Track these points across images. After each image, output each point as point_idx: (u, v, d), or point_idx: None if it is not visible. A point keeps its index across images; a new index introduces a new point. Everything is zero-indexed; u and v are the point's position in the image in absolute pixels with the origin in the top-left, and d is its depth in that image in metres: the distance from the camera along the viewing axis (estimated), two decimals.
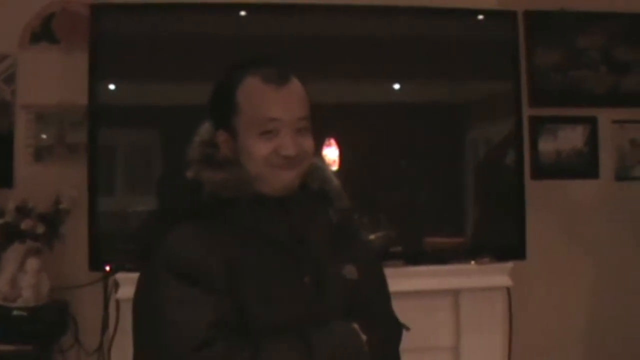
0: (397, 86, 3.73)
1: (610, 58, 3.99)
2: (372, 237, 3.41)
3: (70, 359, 3.43)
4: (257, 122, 1.58)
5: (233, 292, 1.51)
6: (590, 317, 3.94)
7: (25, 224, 3.24)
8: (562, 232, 3.92)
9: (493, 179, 3.77)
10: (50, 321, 3.29)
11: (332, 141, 3.46)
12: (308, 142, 1.62)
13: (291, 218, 1.62)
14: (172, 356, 1.47)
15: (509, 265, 3.53)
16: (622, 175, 4.02)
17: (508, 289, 3.57)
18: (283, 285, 1.56)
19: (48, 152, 3.51)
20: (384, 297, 1.76)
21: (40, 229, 3.26)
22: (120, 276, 3.20)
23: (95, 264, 3.28)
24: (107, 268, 3.27)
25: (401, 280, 3.04)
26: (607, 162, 4.00)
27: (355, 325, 1.57)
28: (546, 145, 3.92)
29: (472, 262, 3.52)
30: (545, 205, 3.86)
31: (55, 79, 3.50)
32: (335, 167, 3.40)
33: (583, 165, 3.97)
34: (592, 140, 3.98)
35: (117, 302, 3.23)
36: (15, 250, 3.27)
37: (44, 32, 3.53)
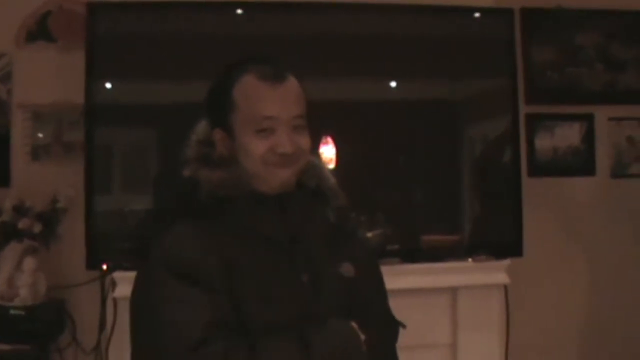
0: (393, 84, 3.73)
1: (606, 55, 3.99)
2: (369, 234, 3.42)
3: (67, 358, 3.43)
4: (254, 120, 1.57)
5: (231, 291, 1.51)
6: (587, 314, 3.94)
7: (22, 223, 3.24)
8: (559, 229, 3.92)
9: (490, 176, 3.78)
10: (48, 320, 3.29)
11: (329, 139, 3.46)
12: (305, 140, 1.62)
13: (288, 216, 1.62)
14: (169, 355, 1.47)
15: (506, 262, 3.53)
16: (619, 172, 4.02)
17: (505, 287, 3.58)
18: (281, 284, 1.56)
19: (45, 151, 3.51)
20: (382, 295, 1.76)
21: (38, 228, 3.26)
22: (117, 275, 3.20)
23: (92, 262, 3.29)
24: (104, 267, 3.27)
25: (398, 277, 3.06)
26: (603, 159, 4.00)
27: (354, 325, 1.56)
28: (543, 143, 3.93)
29: (469, 260, 3.53)
30: (542, 202, 3.87)
31: (51, 78, 3.50)
32: (332, 165, 3.40)
33: (580, 163, 3.98)
34: (589, 138, 3.98)
35: (115, 300, 3.24)
36: (12, 250, 3.26)
37: (40, 31, 3.53)
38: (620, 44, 4.00)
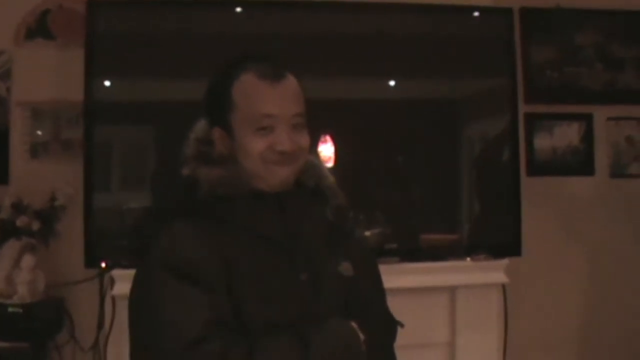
0: (392, 83, 3.73)
1: (606, 55, 3.99)
2: (367, 233, 3.42)
3: (66, 356, 3.43)
4: (253, 118, 1.57)
5: (230, 290, 1.50)
6: (586, 314, 3.95)
7: (20, 221, 3.24)
8: (558, 229, 3.93)
9: (489, 175, 3.78)
10: (46, 318, 3.29)
11: (328, 138, 3.46)
12: (304, 138, 1.62)
13: (287, 215, 1.62)
14: (168, 354, 1.47)
15: (505, 262, 3.54)
16: (618, 172, 4.02)
17: (504, 286, 3.58)
18: (280, 283, 1.56)
19: (44, 148, 3.51)
20: (380, 295, 1.76)
21: (36, 226, 3.26)
22: (116, 273, 3.20)
23: (90, 260, 3.29)
24: (103, 265, 3.27)
25: (397, 277, 3.05)
26: (602, 159, 4.01)
27: (354, 324, 1.56)
28: (542, 142, 3.93)
29: (468, 259, 3.53)
30: (541, 202, 3.87)
31: (51, 76, 3.50)
32: (330, 164, 3.40)
33: (578, 162, 3.98)
34: (588, 137, 3.98)
35: (113, 298, 3.23)
36: (10, 247, 3.26)
37: (39, 29, 3.52)
38: (620, 43, 4.01)
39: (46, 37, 3.53)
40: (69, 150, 3.49)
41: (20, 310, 3.18)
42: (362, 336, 1.55)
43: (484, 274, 3.53)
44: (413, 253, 3.51)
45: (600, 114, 4.00)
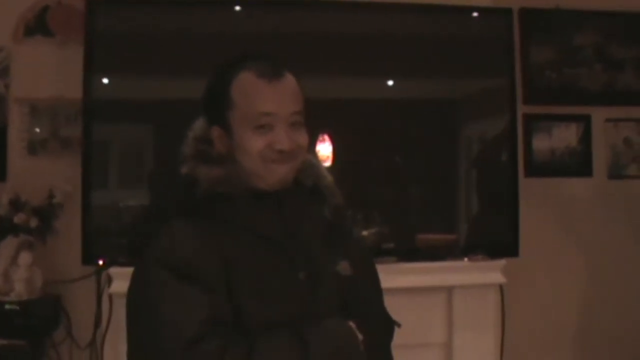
0: (391, 83, 3.73)
1: (604, 56, 3.99)
2: (365, 233, 3.42)
3: (62, 353, 3.43)
4: (252, 116, 1.57)
5: (229, 289, 1.50)
6: (583, 315, 3.95)
7: (18, 218, 3.24)
8: (556, 229, 3.93)
9: (487, 176, 3.78)
10: (43, 315, 3.29)
11: (326, 137, 3.46)
12: (302, 137, 1.62)
13: (286, 215, 1.62)
14: (166, 353, 1.47)
15: (502, 262, 3.54)
16: (616, 173, 4.03)
17: (501, 286, 3.58)
18: (278, 282, 1.56)
19: (42, 145, 3.51)
20: (377, 294, 1.76)
21: (34, 223, 3.26)
22: (113, 270, 3.20)
23: (88, 258, 3.29)
24: (100, 262, 3.27)
25: (394, 276, 3.05)
26: (600, 160, 4.01)
27: (352, 324, 1.56)
28: (540, 143, 3.93)
29: (465, 259, 3.53)
30: (539, 202, 3.87)
31: (49, 73, 3.49)
32: (328, 163, 3.40)
33: (577, 164, 3.98)
34: (586, 139, 3.98)
35: (110, 296, 3.24)
36: (8, 244, 3.26)
37: (38, 25, 3.52)
38: (619, 44, 4.01)
39: (45, 34, 3.53)
40: (67, 148, 3.49)
41: (17, 308, 3.18)
42: (360, 336, 1.55)
43: (482, 274, 3.53)
44: (411, 253, 3.51)
45: (599, 115, 4.00)
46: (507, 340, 3.63)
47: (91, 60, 3.31)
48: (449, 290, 3.53)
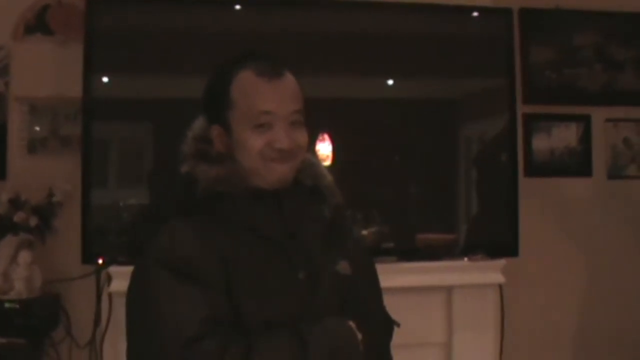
0: (391, 82, 3.73)
1: (604, 56, 3.99)
2: (365, 232, 3.42)
3: (62, 352, 3.43)
4: (251, 115, 1.57)
5: (229, 289, 1.51)
6: (582, 315, 3.95)
7: (18, 217, 3.24)
8: (555, 229, 3.93)
9: (487, 175, 3.78)
10: (43, 314, 3.29)
11: (326, 136, 3.46)
12: (302, 136, 1.62)
13: (286, 214, 1.62)
14: (165, 352, 1.47)
15: (502, 262, 3.54)
16: (615, 173, 4.03)
17: (500, 286, 3.58)
18: (278, 281, 1.56)
19: (41, 144, 3.51)
20: (377, 294, 1.76)
21: (33, 222, 3.26)
22: (113, 269, 3.20)
23: (87, 257, 3.28)
24: (100, 261, 3.27)
25: (394, 276, 3.05)
26: (600, 160, 4.01)
27: (352, 324, 1.56)
28: (540, 143, 3.93)
29: (465, 259, 3.53)
30: (539, 203, 3.87)
31: (49, 71, 3.49)
32: (328, 163, 3.40)
33: (576, 164, 3.98)
34: (586, 139, 3.98)
35: (110, 295, 3.24)
36: (7, 243, 3.26)
37: (38, 24, 3.52)
38: (618, 45, 4.01)
39: (45, 32, 3.52)
40: (67, 147, 3.49)
41: (17, 306, 3.18)
42: (359, 336, 1.55)
43: (481, 274, 3.53)
44: (410, 252, 3.51)
45: (599, 115, 4.00)
46: (507, 340, 3.63)
47: (91, 59, 3.30)
48: (449, 290, 3.53)
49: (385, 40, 3.58)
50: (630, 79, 4.02)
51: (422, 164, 3.73)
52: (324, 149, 3.45)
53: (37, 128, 3.50)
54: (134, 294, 1.58)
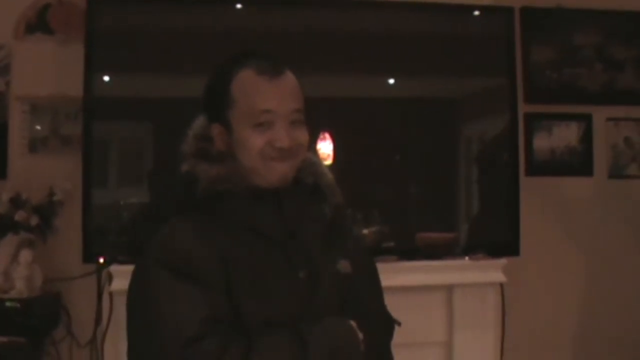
0: (392, 81, 3.73)
1: (605, 56, 3.99)
2: (365, 232, 3.42)
3: (63, 351, 3.43)
4: (252, 114, 1.57)
5: (229, 288, 1.50)
6: (583, 313, 3.95)
7: (18, 216, 3.24)
8: (556, 229, 3.93)
9: (487, 175, 3.78)
10: (43, 313, 3.29)
11: (327, 135, 3.46)
12: (302, 135, 1.61)
13: (286, 213, 1.61)
14: (165, 351, 1.47)
15: (503, 261, 3.54)
16: (616, 173, 4.02)
17: (501, 285, 3.58)
18: (277, 280, 1.56)
19: (42, 143, 3.51)
20: (377, 292, 1.76)
21: (34, 221, 3.26)
22: (113, 268, 3.20)
23: (88, 256, 3.29)
24: (101, 260, 3.27)
25: (394, 275, 3.05)
26: (601, 159, 4.01)
27: (352, 323, 1.56)
28: (541, 142, 3.93)
29: (466, 258, 3.53)
30: (540, 202, 3.87)
31: (50, 71, 3.49)
32: (329, 162, 3.40)
33: (577, 163, 3.98)
34: (587, 138, 3.98)
35: (111, 294, 3.24)
36: (8, 242, 3.26)
37: (39, 23, 3.52)
38: (619, 44, 4.00)
39: (46, 31, 3.52)
40: (68, 146, 3.49)
41: (18, 305, 3.18)
42: (360, 335, 1.55)
43: (482, 273, 3.53)
44: (411, 252, 3.51)
45: (600, 114, 4.00)
46: (507, 339, 3.64)
47: (92, 58, 3.31)
48: (450, 289, 3.53)
49: (386, 39, 3.58)
50: (631, 79, 4.01)
51: (423, 162, 3.73)
52: (325, 147, 3.45)
53: (38, 127, 3.50)
54: (134, 294, 1.58)
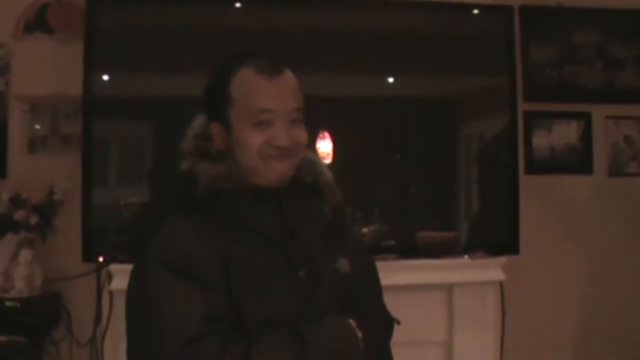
0: (391, 80, 3.73)
1: (605, 54, 3.99)
2: (365, 230, 3.42)
3: (62, 351, 3.43)
4: (251, 113, 1.57)
5: (228, 288, 1.51)
6: (583, 312, 3.95)
7: (18, 215, 3.24)
8: (556, 227, 3.93)
9: (487, 173, 3.77)
10: (43, 312, 3.29)
11: (326, 134, 3.46)
12: (302, 134, 1.61)
13: (286, 213, 1.61)
14: (165, 350, 1.47)
15: (502, 260, 3.54)
16: (616, 171, 4.02)
17: (501, 284, 3.58)
18: (277, 280, 1.56)
19: (42, 143, 3.50)
20: (377, 291, 1.76)
21: (34, 220, 3.26)
22: (113, 267, 3.20)
23: (88, 255, 3.29)
24: (100, 259, 3.27)
25: (394, 274, 3.05)
26: (600, 158, 4.00)
27: (352, 322, 1.56)
28: (540, 141, 3.92)
29: (466, 257, 3.53)
30: (539, 200, 3.87)
31: (49, 70, 3.49)
32: (328, 161, 3.40)
33: (577, 161, 3.97)
34: (586, 136, 3.98)
35: (110, 293, 3.24)
36: (8, 241, 3.26)
37: (38, 23, 3.51)
38: (619, 43, 4.00)
39: (45, 31, 3.52)
40: (68, 145, 3.49)
41: (18, 305, 3.18)
42: (360, 334, 1.55)
43: (482, 271, 3.53)
44: (411, 250, 3.51)
45: (599, 113, 4.00)
46: (507, 337, 3.64)
47: (91, 57, 3.31)
48: (449, 287, 3.53)
49: (385, 38, 3.57)
50: (631, 77, 4.01)
51: (422, 161, 3.73)
52: (325, 146, 3.45)
53: (38, 126, 3.50)
54: (134, 294, 1.58)
